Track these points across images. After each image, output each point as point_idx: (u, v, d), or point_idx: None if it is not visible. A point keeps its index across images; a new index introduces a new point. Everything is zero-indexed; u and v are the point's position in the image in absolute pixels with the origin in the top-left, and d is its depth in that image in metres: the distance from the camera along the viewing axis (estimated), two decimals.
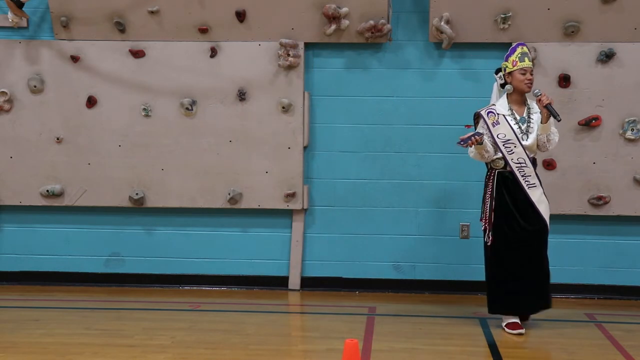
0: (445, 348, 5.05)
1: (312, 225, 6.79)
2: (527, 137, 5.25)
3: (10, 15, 6.64)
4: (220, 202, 6.71)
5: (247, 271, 6.81)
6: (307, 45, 6.63)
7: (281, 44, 6.53)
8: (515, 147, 5.22)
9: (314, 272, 6.79)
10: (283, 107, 6.60)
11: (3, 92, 6.72)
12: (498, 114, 5.28)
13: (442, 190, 6.60)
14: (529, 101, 5.36)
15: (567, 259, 6.58)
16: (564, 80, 6.41)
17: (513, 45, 5.45)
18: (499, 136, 5.23)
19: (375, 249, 6.72)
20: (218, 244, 6.83)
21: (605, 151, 6.42)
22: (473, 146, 5.16)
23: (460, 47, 6.50)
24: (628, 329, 5.56)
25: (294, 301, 6.53)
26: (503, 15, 6.33)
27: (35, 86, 6.73)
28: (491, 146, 5.25)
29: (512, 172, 5.22)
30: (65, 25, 6.66)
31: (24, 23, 6.76)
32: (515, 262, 5.24)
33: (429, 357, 4.83)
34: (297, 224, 6.76)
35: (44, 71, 6.75)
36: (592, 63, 6.40)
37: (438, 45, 6.55)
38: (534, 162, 5.29)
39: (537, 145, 5.29)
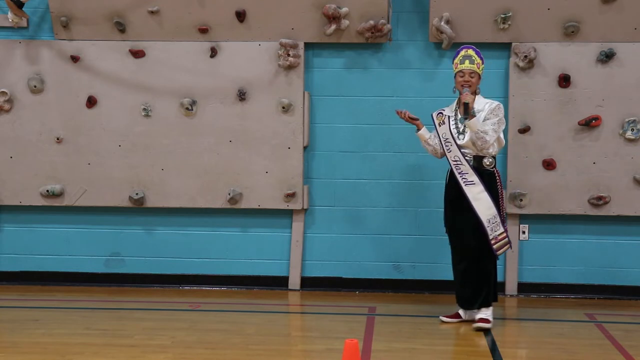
0: (445, 348, 5.05)
1: (312, 225, 6.79)
2: (464, 136, 5.40)
3: (10, 15, 6.64)
4: (220, 202, 6.71)
5: (247, 271, 6.81)
6: (307, 45, 6.63)
7: (281, 44, 6.53)
8: (451, 145, 5.43)
9: (314, 272, 6.79)
10: (283, 107, 6.60)
11: (3, 92, 6.72)
12: (445, 114, 5.52)
13: (442, 191, 6.58)
14: (476, 101, 5.40)
15: (567, 259, 6.58)
16: (564, 80, 6.41)
17: (459, 48, 5.51)
18: (443, 135, 5.49)
19: (375, 249, 6.72)
20: (218, 244, 6.83)
21: (605, 151, 6.42)
22: (417, 135, 5.65)
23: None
24: (628, 329, 5.56)
25: (294, 301, 6.53)
26: (503, 15, 6.33)
27: (35, 86, 6.73)
28: (436, 142, 5.57)
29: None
30: (65, 25, 6.66)
31: (24, 23, 6.77)
32: (453, 254, 5.60)
33: (429, 357, 4.83)
34: (297, 224, 6.76)
35: (44, 71, 6.75)
36: (592, 63, 6.40)
37: (438, 45, 6.55)
38: (478, 160, 5.37)
39: (474, 144, 5.39)
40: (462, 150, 5.39)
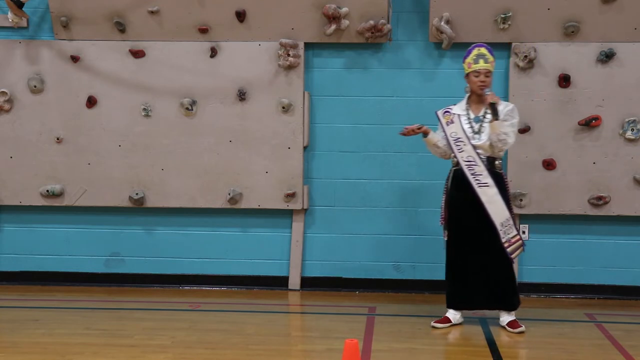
0: (445, 348, 5.06)
1: (312, 225, 6.79)
2: (480, 136, 5.32)
3: (10, 15, 6.65)
4: (220, 202, 6.72)
5: (247, 271, 6.81)
6: (307, 45, 6.63)
7: (281, 44, 6.53)
8: (465, 145, 5.32)
9: (314, 272, 6.79)
10: (283, 107, 6.60)
11: (3, 92, 6.72)
12: (454, 113, 5.43)
13: (442, 191, 6.59)
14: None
15: (567, 259, 6.59)
16: (564, 80, 6.41)
17: (470, 47, 5.46)
18: (451, 135, 5.37)
19: (375, 249, 6.72)
20: (218, 244, 6.83)
21: (605, 151, 6.42)
22: (425, 140, 5.45)
23: (460, 47, 6.48)
24: (628, 329, 5.56)
25: (294, 301, 6.53)
26: (503, 15, 6.33)
27: (35, 86, 6.73)
28: (444, 143, 5.42)
29: (463, 170, 5.33)
30: (65, 25, 6.66)
31: (24, 23, 6.77)
32: (460, 258, 5.39)
33: (429, 357, 4.83)
34: (297, 224, 6.76)
35: (44, 71, 6.75)
36: (592, 63, 6.40)
37: (438, 45, 6.55)
38: (490, 161, 5.32)
39: (491, 145, 5.32)
40: (476, 151, 5.31)
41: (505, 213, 5.27)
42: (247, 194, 6.70)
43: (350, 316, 5.93)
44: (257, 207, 6.71)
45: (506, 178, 5.43)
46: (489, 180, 5.27)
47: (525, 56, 6.37)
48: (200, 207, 6.75)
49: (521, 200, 6.48)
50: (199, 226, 6.83)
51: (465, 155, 5.32)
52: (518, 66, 6.44)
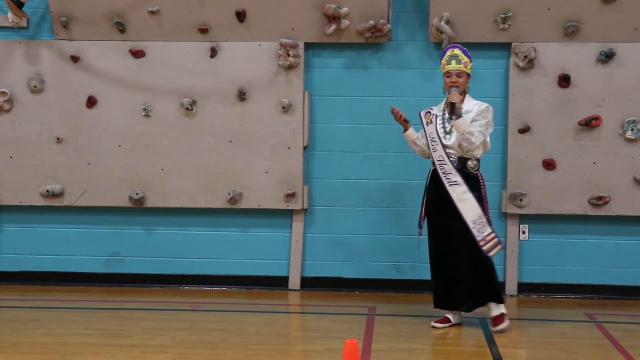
0: (445, 348, 5.05)
1: (312, 225, 6.79)
2: (450, 136, 5.34)
3: (10, 15, 6.65)
4: (220, 202, 6.71)
5: (247, 271, 6.81)
6: (307, 45, 6.63)
7: (281, 44, 6.53)
8: (437, 145, 5.36)
9: (314, 272, 6.79)
10: (283, 107, 6.60)
11: (3, 92, 6.72)
12: (433, 113, 5.47)
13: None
14: (465, 102, 5.36)
15: (567, 259, 6.59)
16: (564, 80, 6.41)
17: (445, 48, 5.47)
18: (429, 134, 5.43)
19: (375, 249, 6.72)
20: (218, 244, 6.83)
21: (605, 151, 6.42)
22: (404, 136, 5.60)
23: None
24: (628, 329, 5.56)
25: (294, 301, 6.53)
26: (503, 15, 6.33)
27: (35, 86, 6.73)
28: (424, 142, 5.50)
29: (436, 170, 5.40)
30: (65, 25, 6.66)
31: (24, 23, 6.77)
32: (437, 256, 5.46)
33: (429, 357, 4.83)
34: (297, 224, 6.76)
35: (44, 71, 6.75)
36: (592, 63, 6.40)
37: (438, 45, 6.55)
38: (462, 161, 5.31)
39: (460, 145, 5.32)
40: (447, 151, 5.33)
41: (477, 211, 5.26)
42: (247, 194, 6.70)
43: (350, 316, 5.93)
44: (257, 207, 6.71)
45: (482, 180, 5.36)
46: (458, 178, 5.29)
47: (525, 56, 6.37)
48: (200, 207, 6.75)
49: (521, 200, 6.48)
50: (199, 226, 6.83)
51: (437, 155, 5.37)
52: (518, 66, 6.43)
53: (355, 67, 6.69)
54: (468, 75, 5.38)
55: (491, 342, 5.12)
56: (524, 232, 6.60)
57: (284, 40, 6.52)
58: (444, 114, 5.42)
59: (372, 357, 4.76)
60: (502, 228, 6.60)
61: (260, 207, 6.71)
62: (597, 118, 6.40)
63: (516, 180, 6.49)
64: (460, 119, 5.24)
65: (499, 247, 5.34)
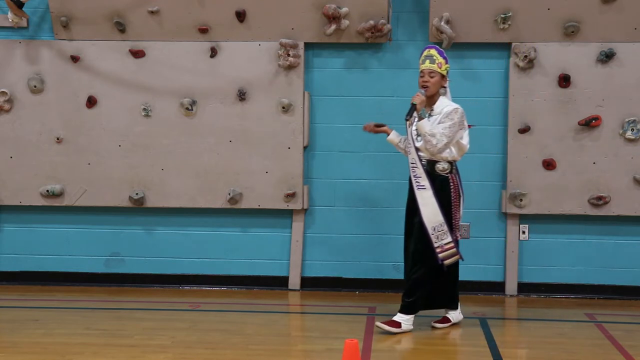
0: (445, 348, 5.06)
1: (312, 225, 6.79)
2: (421, 138, 5.31)
3: (10, 15, 6.65)
4: (220, 202, 6.72)
5: (247, 271, 6.81)
6: (307, 45, 6.63)
7: (281, 44, 6.53)
8: (411, 147, 5.36)
9: (314, 272, 6.79)
10: (283, 107, 6.60)
11: (3, 92, 6.72)
12: (414, 116, 5.35)
13: None
14: (437, 103, 5.32)
15: (567, 259, 6.59)
16: (564, 80, 6.41)
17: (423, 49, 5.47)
18: (408, 137, 5.42)
19: (375, 249, 6.72)
20: (218, 244, 6.83)
21: (605, 151, 6.42)
22: (388, 140, 5.60)
23: (460, 47, 6.50)
24: (628, 329, 5.56)
25: (294, 301, 6.53)
26: (503, 15, 6.33)
27: (35, 86, 6.73)
28: (407, 145, 5.43)
29: None
30: (65, 25, 6.66)
31: (24, 23, 6.77)
32: (404, 256, 5.57)
33: (429, 357, 4.83)
34: (297, 224, 6.76)
35: (44, 71, 6.75)
36: (592, 63, 6.40)
37: (438, 45, 6.53)
38: (431, 164, 5.28)
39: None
40: (418, 153, 5.30)
41: (438, 218, 5.22)
42: (247, 194, 6.70)
43: (350, 316, 5.93)
44: (257, 207, 6.71)
45: (454, 183, 5.31)
46: (425, 182, 5.26)
47: (525, 56, 6.37)
48: (200, 207, 6.75)
49: (521, 200, 6.48)
50: (199, 226, 6.83)
51: (411, 158, 5.36)
52: (518, 66, 6.43)
53: (355, 67, 6.69)
54: (442, 76, 5.30)
55: (491, 342, 5.12)
56: (524, 232, 6.60)
57: (284, 40, 6.52)
58: (418, 115, 5.30)
59: (372, 357, 4.76)
60: (502, 228, 6.61)
61: (260, 207, 6.71)
62: (597, 118, 6.40)
63: (516, 180, 6.49)
64: (423, 120, 5.21)
65: (456, 257, 5.30)
